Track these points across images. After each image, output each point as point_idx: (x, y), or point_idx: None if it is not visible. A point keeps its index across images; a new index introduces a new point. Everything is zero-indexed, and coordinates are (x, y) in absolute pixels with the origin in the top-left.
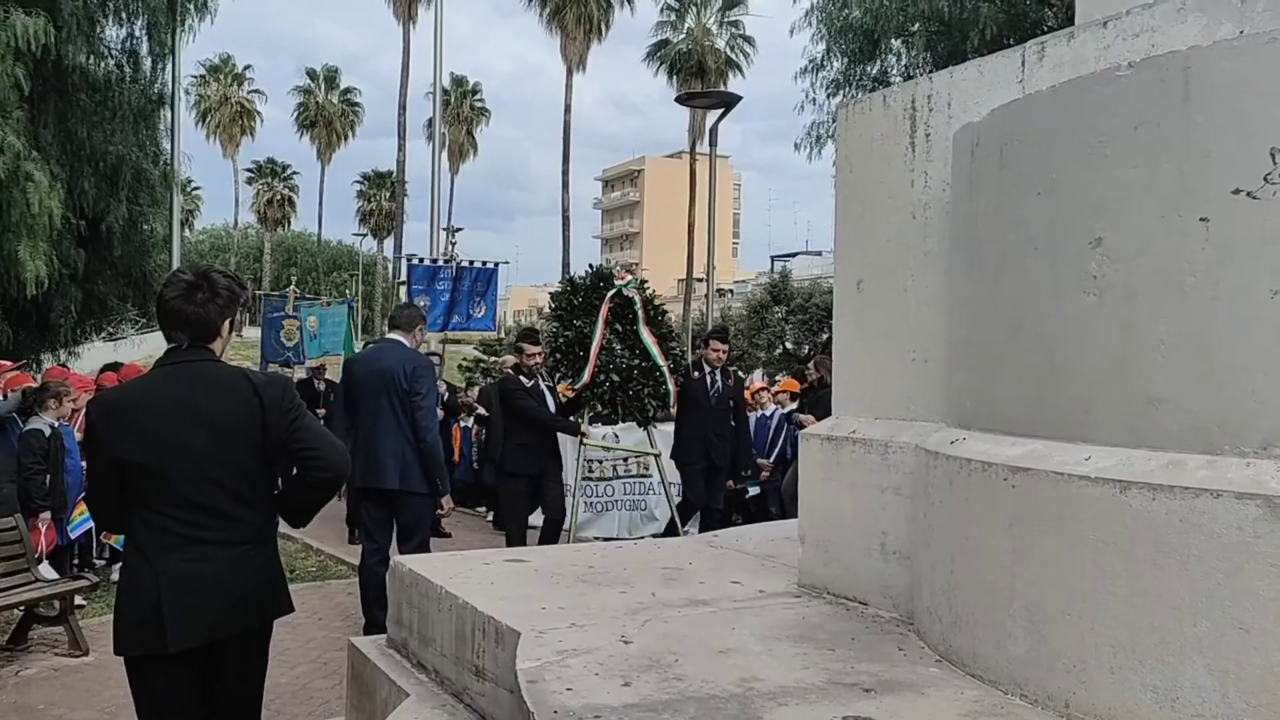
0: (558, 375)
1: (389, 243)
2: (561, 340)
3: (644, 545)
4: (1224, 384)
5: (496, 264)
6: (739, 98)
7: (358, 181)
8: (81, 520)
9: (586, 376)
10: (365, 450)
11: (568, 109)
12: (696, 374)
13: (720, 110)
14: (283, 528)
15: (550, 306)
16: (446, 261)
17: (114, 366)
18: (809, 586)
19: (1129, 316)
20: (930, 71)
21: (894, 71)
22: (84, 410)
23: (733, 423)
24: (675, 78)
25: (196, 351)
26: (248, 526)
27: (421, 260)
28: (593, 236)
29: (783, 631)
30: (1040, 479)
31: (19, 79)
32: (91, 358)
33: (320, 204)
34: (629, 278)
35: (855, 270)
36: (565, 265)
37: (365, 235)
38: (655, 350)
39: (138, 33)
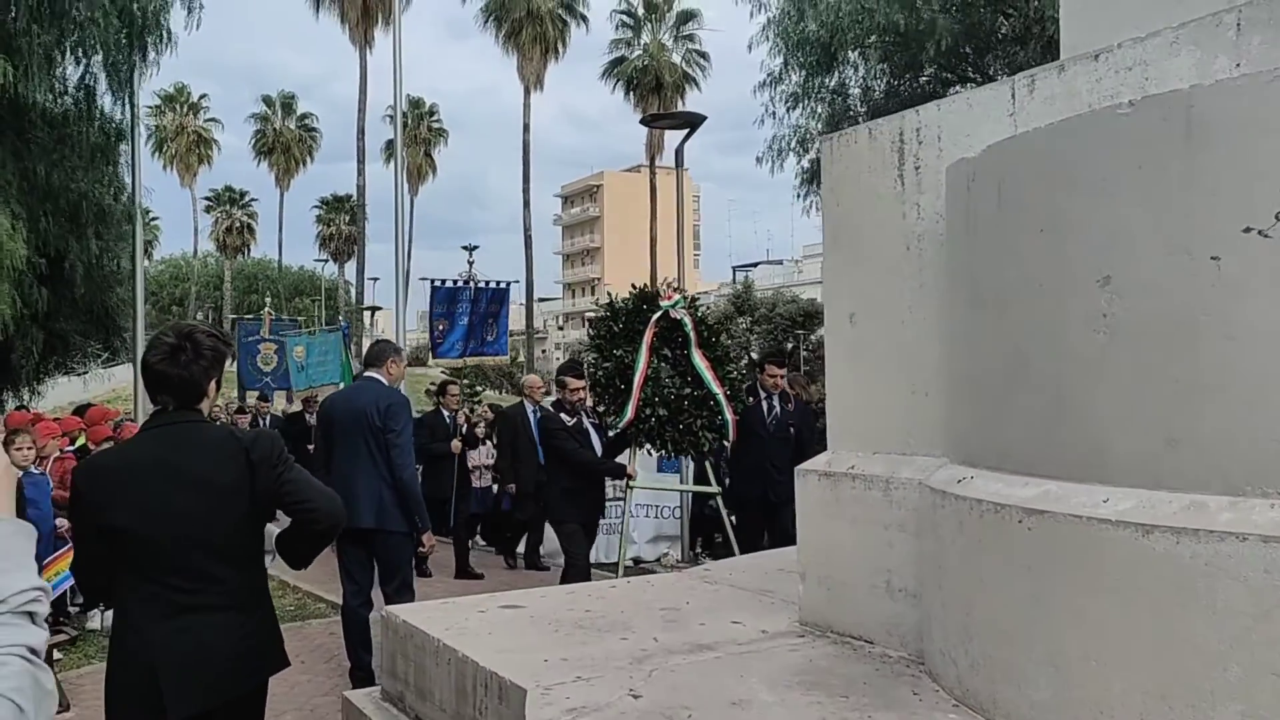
0: (600, 410)
1: (350, 266)
2: (600, 373)
3: (638, 584)
4: (1243, 424)
5: (508, 284)
6: (703, 118)
7: (316, 206)
8: (60, 579)
9: (630, 413)
10: (341, 490)
11: (526, 128)
12: (751, 399)
13: (685, 130)
14: None
15: (589, 334)
16: (465, 282)
17: (82, 409)
18: (812, 625)
19: (1142, 355)
20: (887, 82)
21: (852, 83)
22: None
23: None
24: (632, 93)
25: (183, 413)
26: (240, 589)
27: (444, 282)
28: (554, 253)
29: (793, 678)
30: (1058, 521)
31: None
32: (57, 394)
33: (280, 230)
34: (676, 297)
35: (847, 303)
36: (529, 284)
37: (326, 260)
38: (709, 376)
39: (95, 69)
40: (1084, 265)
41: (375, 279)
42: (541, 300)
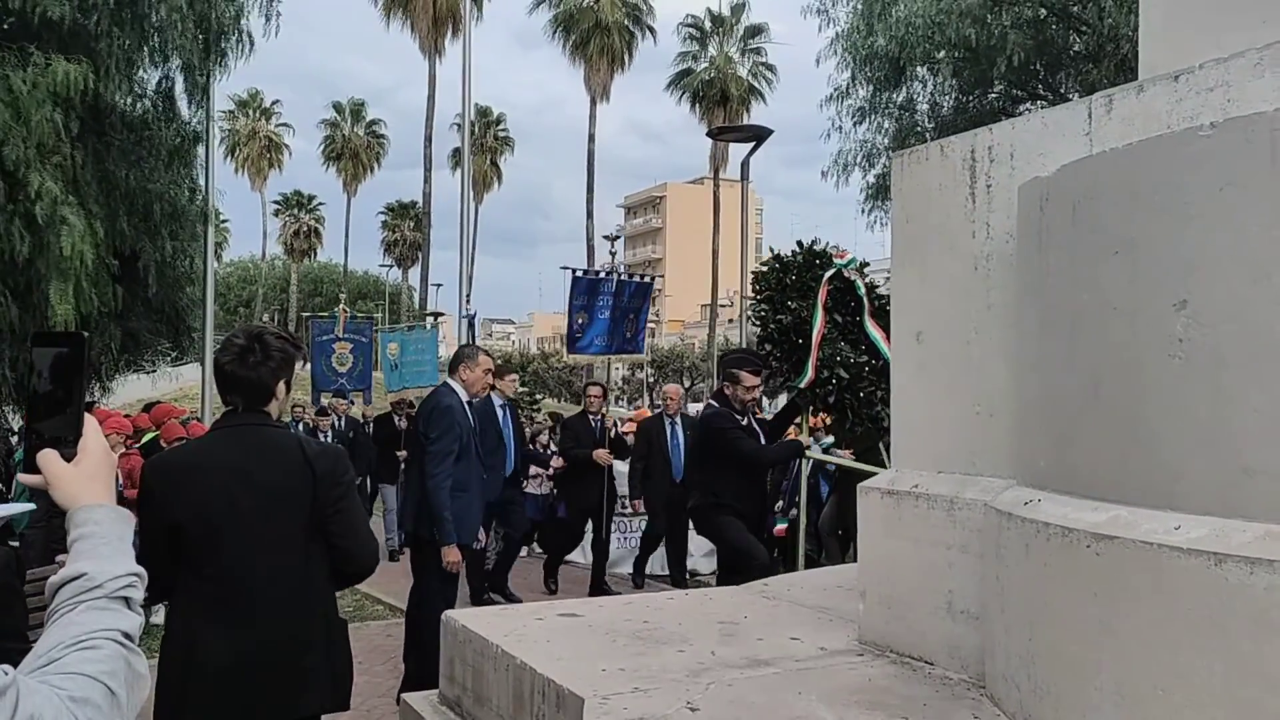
0: (772, 368)
1: (414, 272)
2: (773, 326)
3: (696, 597)
4: None
5: (651, 278)
6: (770, 131)
7: (382, 213)
8: None
9: (810, 373)
10: (405, 495)
11: (591, 138)
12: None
13: (752, 143)
14: None
15: (755, 288)
16: (609, 274)
17: (150, 407)
18: (871, 644)
19: (1220, 382)
20: (955, 98)
21: (920, 99)
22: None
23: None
24: (698, 106)
25: (252, 415)
26: (298, 600)
27: (586, 273)
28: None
29: (851, 696)
30: (1127, 547)
31: (59, 124)
32: (126, 392)
33: (346, 235)
34: (850, 256)
35: (915, 321)
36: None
37: (390, 266)
38: (885, 346)
39: (173, 73)
40: (1160, 288)
41: (439, 285)
42: None
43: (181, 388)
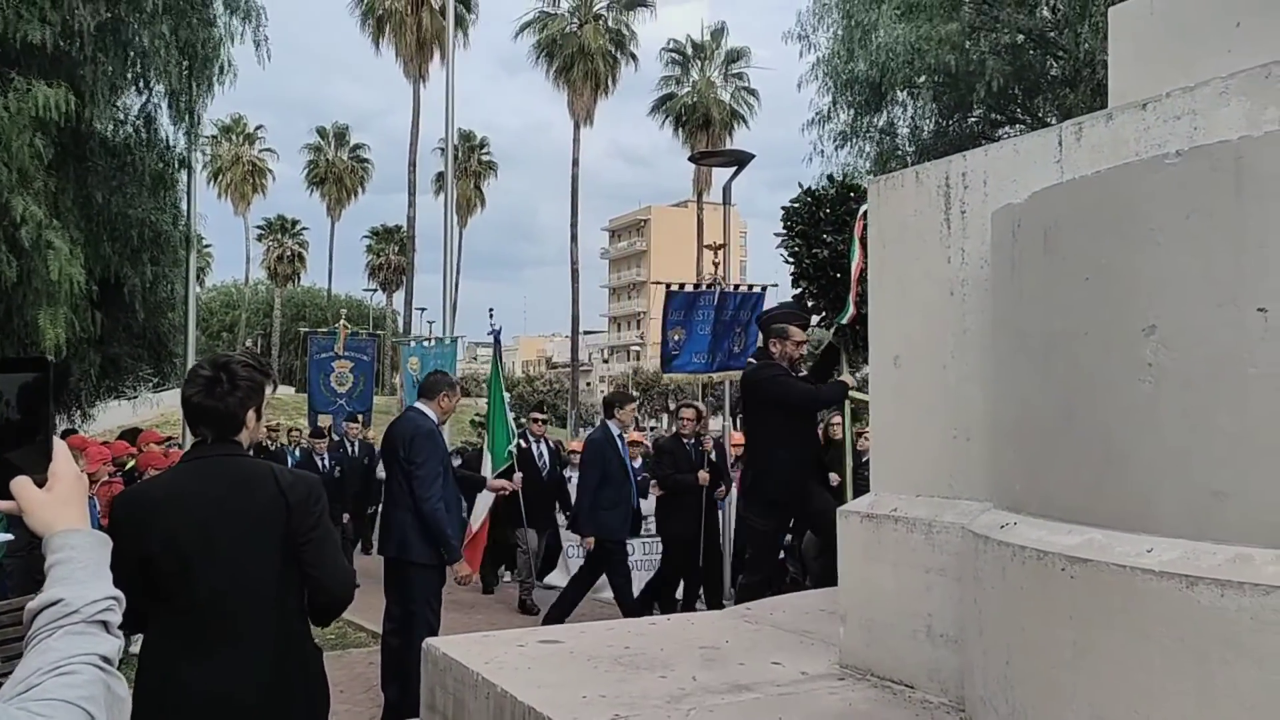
0: (813, 305)
1: (398, 296)
2: (809, 262)
3: (678, 621)
4: None
5: (764, 287)
6: (752, 156)
7: (367, 236)
8: None
9: (852, 309)
10: (382, 520)
11: (575, 163)
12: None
13: (734, 168)
14: None
15: (786, 224)
16: (709, 286)
17: (132, 433)
18: (852, 668)
19: (1189, 406)
20: (935, 122)
21: (900, 123)
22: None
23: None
24: (681, 129)
25: (222, 445)
26: (269, 633)
27: (682, 286)
28: (600, 286)
29: None
30: (1101, 570)
31: (40, 149)
32: (107, 418)
33: (330, 259)
34: None
35: (892, 346)
36: (575, 317)
37: (375, 290)
38: None
39: (157, 99)
40: (1130, 314)
41: (423, 309)
42: (586, 333)
43: (162, 413)
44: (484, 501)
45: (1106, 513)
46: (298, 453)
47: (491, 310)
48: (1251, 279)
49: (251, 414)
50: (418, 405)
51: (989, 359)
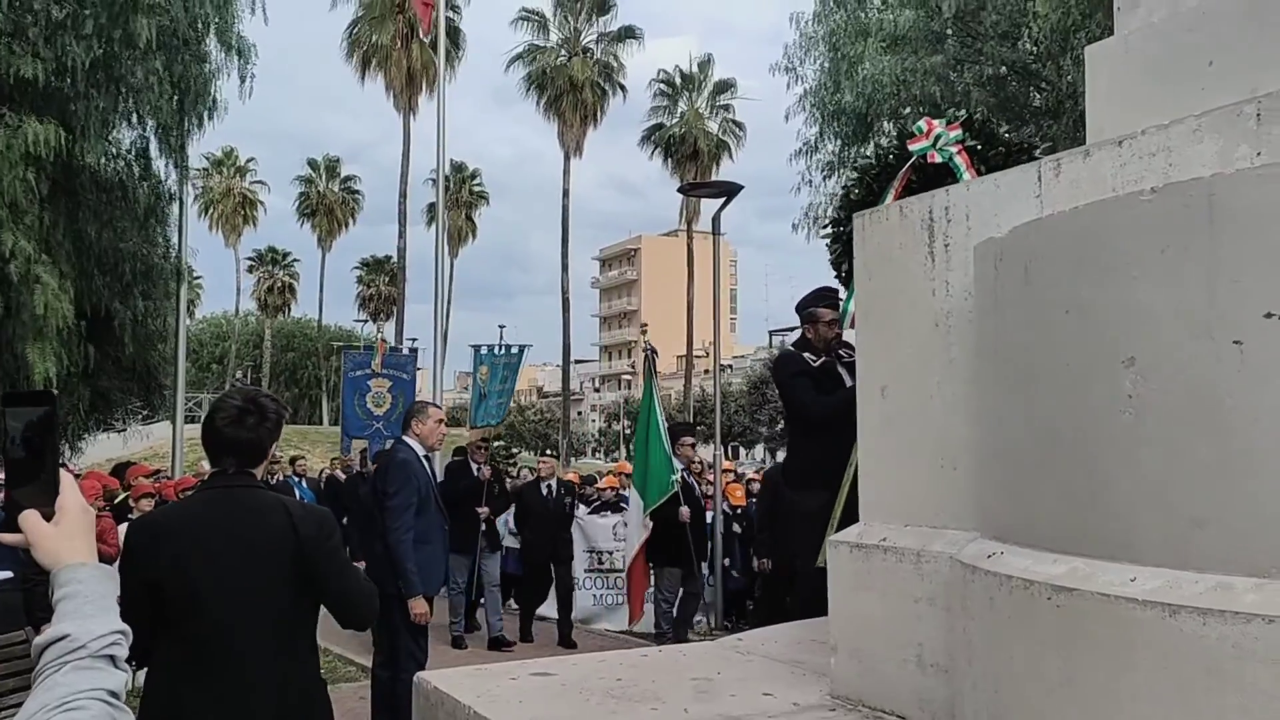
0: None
1: (389, 326)
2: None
3: (670, 653)
4: (1267, 507)
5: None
6: (740, 187)
7: (357, 267)
8: None
9: (849, 318)
10: (365, 552)
11: (566, 193)
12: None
13: (723, 199)
14: None
15: (852, 195)
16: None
17: (123, 469)
18: (843, 698)
19: (1168, 436)
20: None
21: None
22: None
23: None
24: (670, 159)
25: (240, 476)
26: (281, 662)
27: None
28: (591, 315)
29: None
30: (1086, 599)
31: (31, 184)
32: (96, 451)
33: (321, 290)
34: (937, 129)
35: (879, 376)
36: (566, 346)
37: (365, 320)
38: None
39: (148, 134)
40: (1109, 346)
41: (414, 339)
42: (578, 362)
43: (152, 446)
44: (635, 536)
45: (1091, 542)
46: (321, 481)
47: (645, 327)
48: (1226, 312)
49: (273, 448)
50: (403, 437)
51: (974, 390)
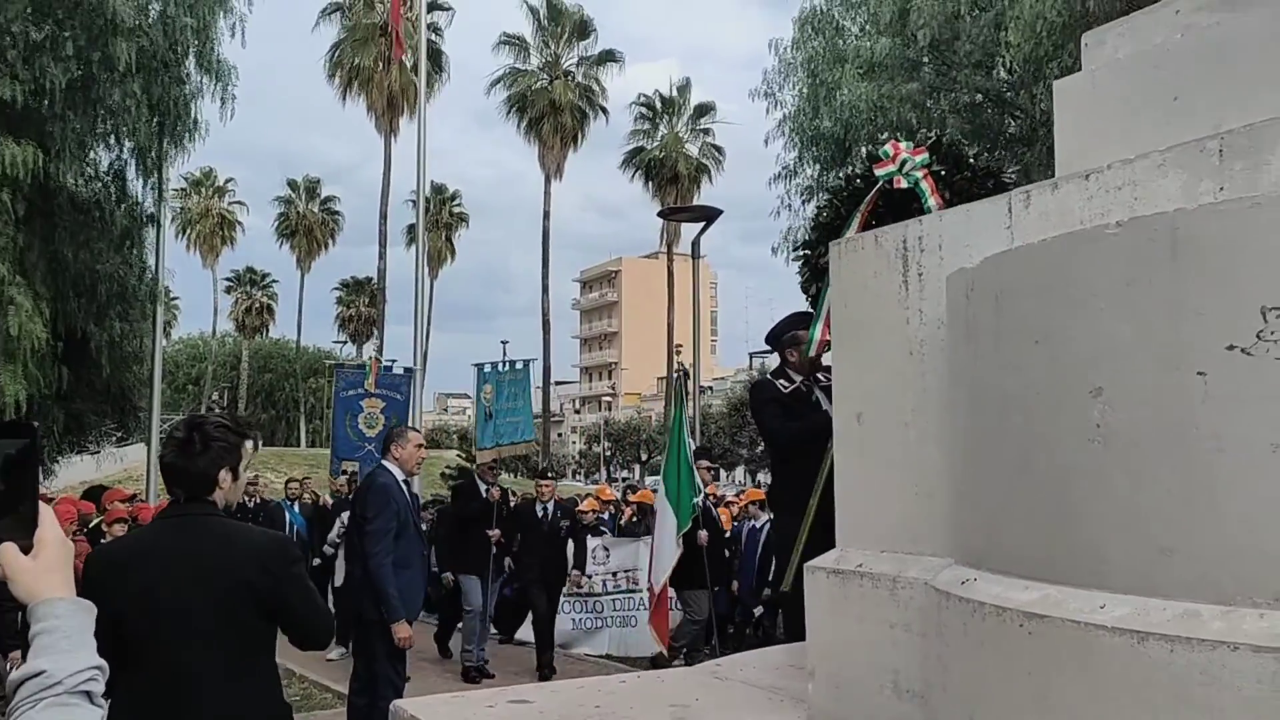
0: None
1: (368, 347)
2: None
3: (648, 679)
4: (1233, 536)
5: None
6: (719, 211)
7: (337, 288)
8: None
9: (819, 335)
10: (344, 577)
11: (546, 215)
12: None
13: (702, 223)
14: None
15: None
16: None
17: (95, 492)
18: None
19: (1136, 465)
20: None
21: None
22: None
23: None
24: (651, 182)
25: (196, 505)
26: (242, 692)
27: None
28: (571, 336)
29: None
30: (1057, 626)
31: (6, 205)
32: (70, 474)
33: (300, 311)
34: (903, 154)
35: (855, 403)
36: (546, 368)
37: (345, 342)
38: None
39: (126, 155)
40: (1078, 376)
41: (393, 360)
42: (558, 383)
43: (126, 469)
44: (667, 560)
45: (1062, 569)
46: (295, 507)
47: (679, 347)
48: (1190, 344)
49: (225, 474)
50: (382, 462)
51: (948, 417)
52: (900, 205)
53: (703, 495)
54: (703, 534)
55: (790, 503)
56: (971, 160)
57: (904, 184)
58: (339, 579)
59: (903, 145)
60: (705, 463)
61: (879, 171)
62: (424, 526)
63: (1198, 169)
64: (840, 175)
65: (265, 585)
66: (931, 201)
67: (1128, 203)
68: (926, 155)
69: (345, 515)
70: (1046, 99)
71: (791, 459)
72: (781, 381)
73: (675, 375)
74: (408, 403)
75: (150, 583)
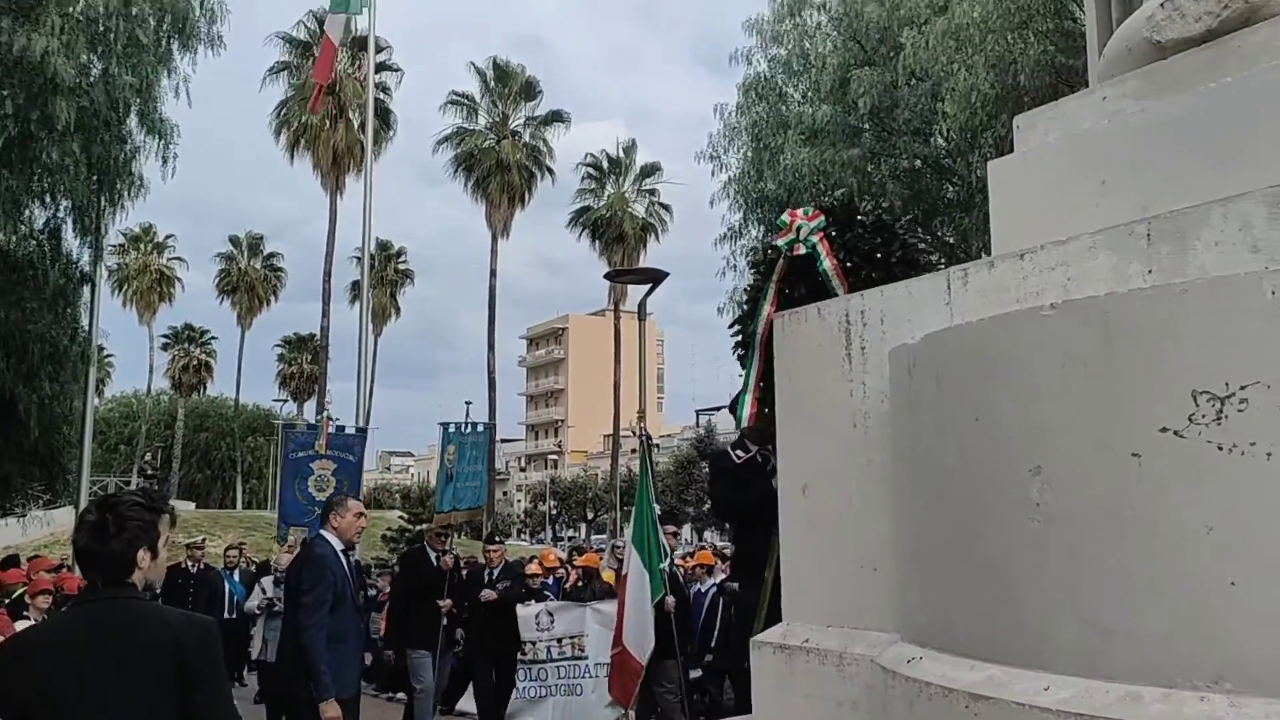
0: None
1: (310, 405)
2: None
3: None
4: (1172, 617)
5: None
6: (665, 274)
7: (279, 345)
8: None
9: (749, 406)
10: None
11: (493, 273)
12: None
13: (648, 284)
14: None
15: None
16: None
17: (12, 561)
18: None
19: (1075, 545)
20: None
21: None
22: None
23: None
24: (597, 241)
25: (112, 589)
26: None
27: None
28: (517, 394)
29: None
30: (1002, 708)
31: None
32: None
33: (239, 368)
34: (799, 222)
35: (800, 475)
36: (491, 426)
37: (285, 400)
38: (836, 281)
39: (62, 214)
40: (1017, 455)
41: (335, 419)
42: (504, 441)
43: (53, 532)
44: (644, 628)
45: (1006, 649)
46: (236, 575)
47: (642, 412)
48: (1125, 425)
49: (144, 554)
50: (321, 529)
51: (891, 491)
52: (804, 272)
53: (669, 561)
54: (670, 600)
55: (749, 572)
56: (861, 217)
57: (803, 250)
58: (256, 650)
59: (799, 212)
60: (671, 528)
61: (779, 241)
62: (371, 593)
63: (1127, 252)
64: (755, 246)
65: (186, 672)
66: (826, 264)
67: (1061, 283)
68: (822, 219)
69: (265, 580)
70: (982, 166)
71: (750, 527)
72: (738, 451)
73: (640, 439)
74: (360, 464)
75: (59, 675)
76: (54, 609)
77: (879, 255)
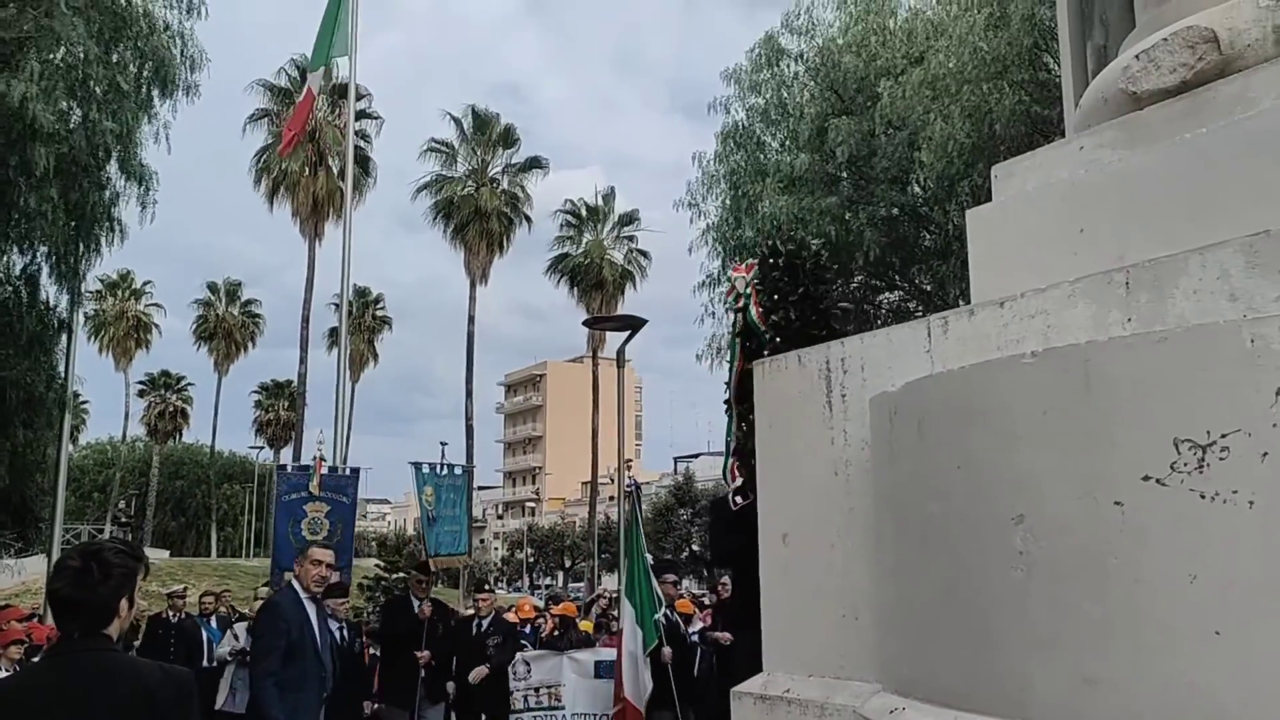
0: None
1: (287, 452)
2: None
3: None
4: (1154, 666)
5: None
6: (643, 321)
7: (256, 392)
8: None
9: (729, 473)
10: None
11: (471, 319)
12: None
13: (626, 331)
14: None
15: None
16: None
17: None
18: None
19: (1057, 594)
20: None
21: None
22: None
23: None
24: (576, 288)
25: (89, 640)
26: None
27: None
28: (495, 440)
29: None
30: None
31: None
32: None
33: (215, 415)
34: (754, 271)
35: (780, 523)
36: (469, 473)
37: (262, 447)
38: (761, 326)
39: (40, 260)
40: (1000, 503)
41: (327, 461)
42: (481, 488)
43: (24, 581)
44: (638, 678)
45: (988, 699)
46: (214, 621)
47: (630, 462)
48: (1107, 473)
49: (124, 603)
50: (294, 578)
51: (873, 539)
52: (753, 326)
53: (664, 610)
54: (666, 651)
55: (746, 619)
56: (801, 263)
57: (743, 303)
58: (221, 699)
59: (742, 265)
60: (670, 576)
61: (727, 300)
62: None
63: (1106, 300)
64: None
65: None
66: (753, 313)
67: (1041, 331)
68: (756, 270)
69: (238, 626)
70: (959, 214)
71: (746, 573)
72: (737, 498)
73: (630, 489)
74: (354, 506)
75: None
76: (24, 660)
77: (791, 297)
